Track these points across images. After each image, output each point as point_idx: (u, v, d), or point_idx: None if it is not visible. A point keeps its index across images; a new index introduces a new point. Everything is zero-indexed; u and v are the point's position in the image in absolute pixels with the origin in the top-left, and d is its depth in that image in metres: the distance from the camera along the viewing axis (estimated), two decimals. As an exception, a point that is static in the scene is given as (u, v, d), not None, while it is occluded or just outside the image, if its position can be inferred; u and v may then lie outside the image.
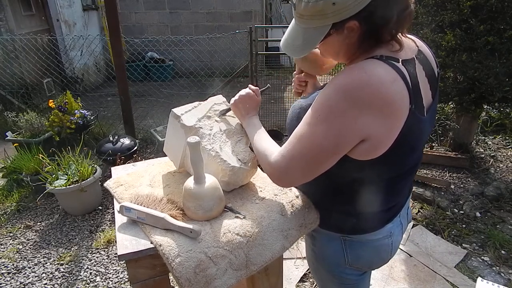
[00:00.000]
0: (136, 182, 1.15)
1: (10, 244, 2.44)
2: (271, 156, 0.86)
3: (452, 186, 2.90)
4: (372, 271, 2.10)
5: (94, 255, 2.31)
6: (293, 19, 0.82)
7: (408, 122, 0.75)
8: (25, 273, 2.17)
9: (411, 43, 0.84)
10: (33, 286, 2.07)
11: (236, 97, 1.07)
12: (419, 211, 2.63)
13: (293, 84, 1.19)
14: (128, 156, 3.04)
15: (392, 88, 0.72)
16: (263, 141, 0.94)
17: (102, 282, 2.10)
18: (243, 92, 1.06)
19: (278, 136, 3.48)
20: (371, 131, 0.74)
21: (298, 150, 0.80)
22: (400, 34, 0.78)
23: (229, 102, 1.12)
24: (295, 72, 1.18)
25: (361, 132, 0.74)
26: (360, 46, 0.79)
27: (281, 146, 0.86)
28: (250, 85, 1.09)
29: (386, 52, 0.77)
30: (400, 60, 0.76)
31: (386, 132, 0.75)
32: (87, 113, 3.50)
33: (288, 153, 0.81)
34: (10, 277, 2.14)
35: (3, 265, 2.23)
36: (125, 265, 1.81)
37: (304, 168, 0.81)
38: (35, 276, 2.14)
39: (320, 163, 0.80)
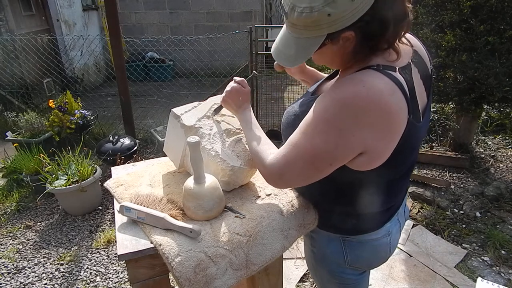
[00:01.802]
0: (136, 182, 1.15)
1: (10, 244, 2.44)
2: (266, 159, 0.86)
3: (452, 186, 2.90)
4: (372, 271, 2.10)
5: (94, 255, 2.31)
6: (284, 26, 0.80)
7: (406, 131, 0.74)
8: (25, 273, 2.17)
9: (407, 47, 0.82)
10: (33, 286, 2.07)
11: (224, 93, 1.05)
12: (419, 211, 2.63)
13: None
14: (128, 156, 3.04)
15: (391, 101, 0.71)
16: (258, 141, 0.94)
17: (102, 282, 2.10)
18: (228, 87, 1.04)
19: (278, 136, 3.46)
20: (370, 144, 0.73)
21: (294, 158, 0.80)
22: (397, 42, 0.76)
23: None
24: None
25: (359, 146, 0.74)
26: (355, 55, 0.78)
27: (279, 147, 0.86)
28: (234, 77, 1.07)
29: (382, 61, 0.75)
30: (397, 68, 0.75)
31: (384, 145, 0.74)
32: (87, 113, 3.50)
33: (283, 159, 0.82)
34: (10, 277, 2.14)
35: (3, 265, 2.23)
36: (125, 265, 1.81)
37: (299, 174, 0.81)
38: (35, 276, 2.14)
39: (315, 172, 0.80)
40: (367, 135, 0.72)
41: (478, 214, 2.56)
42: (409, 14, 0.74)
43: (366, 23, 0.70)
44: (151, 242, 0.89)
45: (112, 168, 1.31)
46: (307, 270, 2.09)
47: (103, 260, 2.26)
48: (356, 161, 0.77)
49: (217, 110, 1.12)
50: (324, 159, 0.76)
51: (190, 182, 0.96)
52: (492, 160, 3.26)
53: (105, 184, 1.19)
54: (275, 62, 1.11)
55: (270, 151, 0.88)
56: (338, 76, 0.89)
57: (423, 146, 3.46)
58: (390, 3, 0.69)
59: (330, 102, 0.74)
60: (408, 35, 0.87)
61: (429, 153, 3.24)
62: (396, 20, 0.71)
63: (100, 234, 2.49)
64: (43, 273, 2.17)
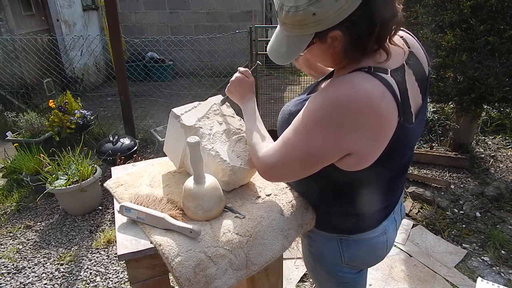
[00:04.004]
0: (136, 182, 1.15)
1: (10, 244, 2.44)
2: (260, 151, 0.89)
3: (452, 186, 2.90)
4: (372, 271, 2.10)
5: (94, 255, 2.31)
6: (278, 25, 0.81)
7: (396, 134, 0.75)
8: (25, 273, 2.17)
9: (400, 49, 0.81)
10: (33, 286, 2.07)
11: (229, 84, 1.09)
12: (419, 211, 2.63)
13: None
14: (128, 156, 3.04)
15: (380, 104, 0.71)
16: (256, 133, 0.96)
17: (102, 282, 2.10)
18: (233, 77, 1.08)
19: (275, 136, 3.48)
20: (357, 146, 0.74)
21: (284, 153, 0.82)
22: (388, 42, 0.76)
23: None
24: None
25: (346, 147, 0.75)
26: (346, 55, 0.78)
27: None
28: (239, 68, 1.10)
29: (373, 63, 0.75)
30: (389, 70, 0.75)
31: (372, 147, 0.75)
32: (87, 113, 3.50)
33: (275, 153, 0.84)
34: (10, 277, 2.14)
35: (3, 265, 2.23)
36: (125, 265, 1.81)
37: (288, 169, 0.84)
38: (35, 276, 2.14)
39: (304, 168, 0.82)
40: (355, 136, 0.73)
41: (478, 214, 2.56)
42: (399, 14, 0.74)
43: (353, 23, 0.70)
44: (151, 242, 0.89)
45: (112, 168, 1.31)
46: (307, 270, 2.09)
47: (103, 260, 2.26)
48: (344, 161, 0.78)
49: (223, 101, 1.15)
50: (312, 157, 0.78)
51: (190, 182, 0.96)
52: (492, 160, 3.26)
53: (105, 184, 1.19)
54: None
55: (265, 144, 0.91)
56: (333, 75, 0.90)
57: (423, 146, 3.47)
58: (378, 3, 0.69)
59: (320, 102, 0.75)
60: (406, 35, 0.87)
61: (429, 153, 3.24)
62: (384, 21, 0.71)
63: (100, 234, 2.49)
64: (43, 273, 2.17)
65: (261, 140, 0.93)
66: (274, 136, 0.92)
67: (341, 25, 0.70)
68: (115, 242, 1.37)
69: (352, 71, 0.76)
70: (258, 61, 1.28)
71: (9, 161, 3.11)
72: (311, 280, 2.04)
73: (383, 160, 0.78)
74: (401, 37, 0.85)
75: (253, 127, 0.99)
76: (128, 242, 0.90)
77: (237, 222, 0.95)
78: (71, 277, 2.13)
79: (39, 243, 2.43)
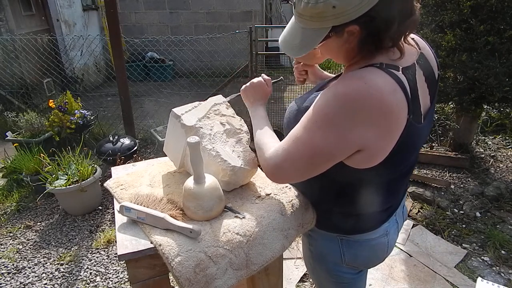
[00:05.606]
0: (136, 182, 1.15)
1: (10, 244, 2.44)
2: (268, 151, 0.87)
3: (452, 186, 2.90)
4: (372, 271, 2.10)
5: (94, 255, 2.31)
6: (293, 17, 0.81)
7: (406, 131, 0.75)
8: (25, 273, 2.17)
9: (412, 49, 0.82)
10: (33, 286, 2.07)
11: (248, 84, 1.08)
12: (419, 211, 2.63)
13: (294, 73, 1.20)
14: (128, 156, 3.04)
15: (391, 99, 0.71)
16: (264, 135, 0.95)
17: (102, 282, 2.10)
18: (255, 80, 1.07)
19: (278, 136, 3.48)
20: (367, 142, 0.73)
21: (293, 151, 0.80)
22: (402, 40, 0.76)
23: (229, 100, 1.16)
24: (294, 62, 1.20)
25: (357, 143, 0.74)
26: (360, 51, 0.78)
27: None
28: (263, 74, 1.10)
29: (386, 60, 0.75)
30: (401, 68, 0.75)
31: (382, 143, 0.75)
32: (87, 113, 3.50)
33: (283, 152, 0.82)
34: (10, 277, 2.14)
35: (3, 265, 2.23)
36: (125, 265, 1.81)
37: (297, 168, 0.82)
38: (35, 276, 2.14)
39: (313, 166, 0.80)
40: (365, 132, 0.72)
41: (478, 214, 2.56)
42: (416, 13, 0.74)
43: (371, 19, 0.70)
44: (151, 242, 0.89)
45: (112, 168, 1.31)
46: (307, 270, 2.09)
47: (103, 260, 2.26)
48: (353, 158, 0.77)
49: (233, 98, 1.16)
50: (322, 154, 0.77)
51: (190, 182, 0.96)
52: (492, 160, 3.26)
53: (105, 184, 1.19)
54: (296, 79, 1.18)
55: (272, 144, 0.88)
56: (343, 72, 0.89)
57: (423, 146, 3.47)
58: (397, 0, 0.70)
59: (330, 97, 0.74)
60: (417, 38, 0.87)
61: (429, 153, 3.24)
62: (401, 18, 0.71)
63: (100, 234, 2.49)
64: (43, 273, 2.17)
65: (268, 140, 0.92)
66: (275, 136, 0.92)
67: (359, 20, 0.70)
68: (115, 242, 1.37)
69: (363, 67, 0.76)
70: (282, 77, 1.28)
71: (9, 161, 3.11)
72: (311, 280, 2.04)
73: (390, 159, 0.77)
74: (412, 38, 0.85)
75: (261, 130, 0.97)
76: (128, 242, 0.90)
77: (237, 222, 0.95)
78: (71, 277, 2.13)
79: (39, 243, 2.43)
